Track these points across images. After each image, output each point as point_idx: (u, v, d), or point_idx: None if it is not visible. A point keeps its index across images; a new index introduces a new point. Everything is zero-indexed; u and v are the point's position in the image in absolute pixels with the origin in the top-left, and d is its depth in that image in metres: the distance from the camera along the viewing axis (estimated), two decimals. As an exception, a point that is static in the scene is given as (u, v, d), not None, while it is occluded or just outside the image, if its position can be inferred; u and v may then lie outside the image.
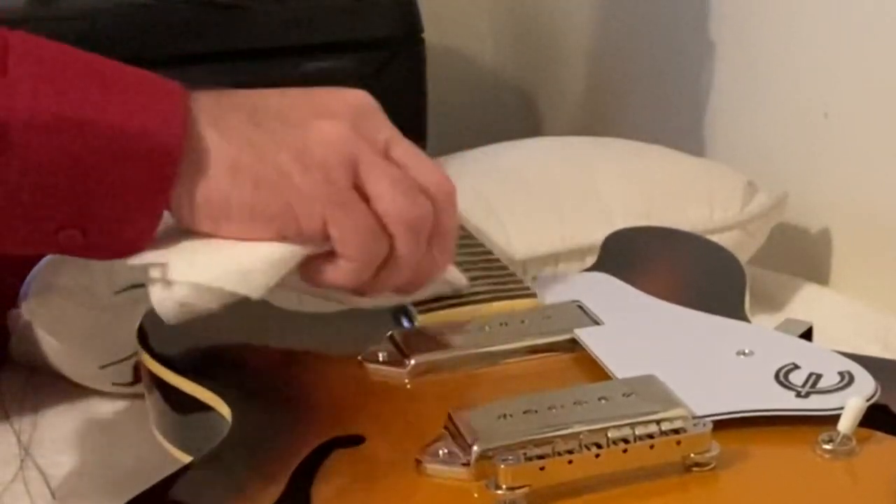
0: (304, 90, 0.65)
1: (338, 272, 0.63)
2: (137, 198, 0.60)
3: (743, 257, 0.97)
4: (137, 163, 0.59)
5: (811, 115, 1.07)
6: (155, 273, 0.62)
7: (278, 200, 0.61)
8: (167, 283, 0.61)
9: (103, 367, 0.84)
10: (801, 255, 1.09)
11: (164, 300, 0.62)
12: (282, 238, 0.62)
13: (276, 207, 0.61)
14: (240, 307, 0.75)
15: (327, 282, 0.64)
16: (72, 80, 0.59)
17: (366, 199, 0.62)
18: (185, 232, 0.62)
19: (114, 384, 0.85)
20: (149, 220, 0.61)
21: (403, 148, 0.65)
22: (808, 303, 0.99)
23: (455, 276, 0.70)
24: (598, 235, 0.88)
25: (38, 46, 0.59)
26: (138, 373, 0.79)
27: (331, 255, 0.63)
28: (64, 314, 0.84)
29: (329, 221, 0.61)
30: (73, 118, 0.57)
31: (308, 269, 0.63)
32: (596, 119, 1.46)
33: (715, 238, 0.96)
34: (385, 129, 0.65)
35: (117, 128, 0.58)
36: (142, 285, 0.85)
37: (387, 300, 0.68)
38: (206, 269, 0.61)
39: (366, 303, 0.67)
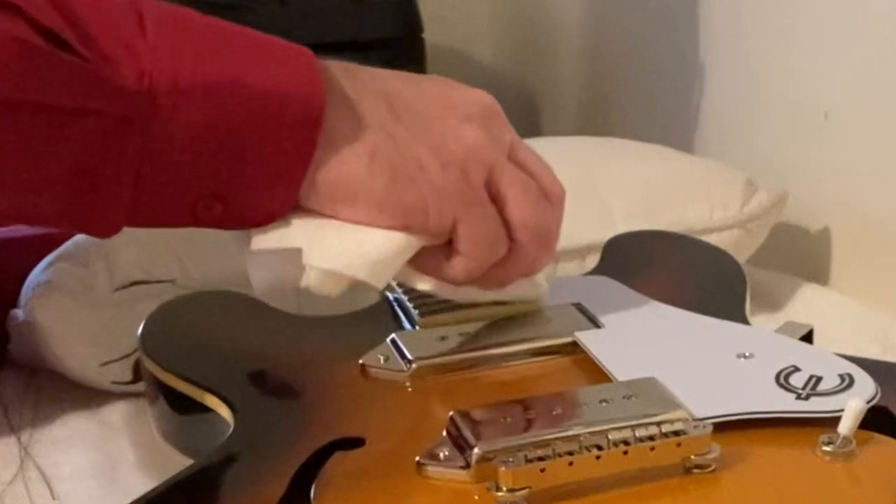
0: (432, 81, 0.65)
1: (456, 268, 0.63)
2: (281, 165, 0.58)
3: (743, 256, 0.98)
4: (282, 128, 0.57)
5: (811, 115, 1.07)
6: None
7: (413, 194, 0.60)
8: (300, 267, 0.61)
9: (103, 364, 0.84)
10: (801, 255, 1.09)
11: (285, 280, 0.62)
12: (405, 229, 0.61)
13: (410, 201, 0.60)
14: (240, 308, 0.75)
15: (442, 275, 0.64)
16: (211, 43, 0.57)
17: (495, 201, 0.63)
18: (298, 212, 0.61)
19: (114, 382, 0.85)
20: (288, 190, 0.59)
21: (525, 152, 0.65)
22: (808, 303, 0.99)
23: (543, 285, 0.70)
24: (598, 235, 0.89)
25: (169, 12, 0.57)
26: (138, 371, 0.80)
27: (448, 248, 0.63)
28: (64, 311, 0.84)
29: (460, 220, 0.61)
30: (220, 81, 0.56)
31: (424, 260, 0.63)
32: (595, 119, 1.46)
33: (715, 237, 0.96)
34: (509, 132, 0.65)
35: (263, 91, 0.57)
36: (142, 283, 0.86)
37: (480, 295, 0.67)
38: (340, 256, 0.60)
39: (461, 295, 0.67)
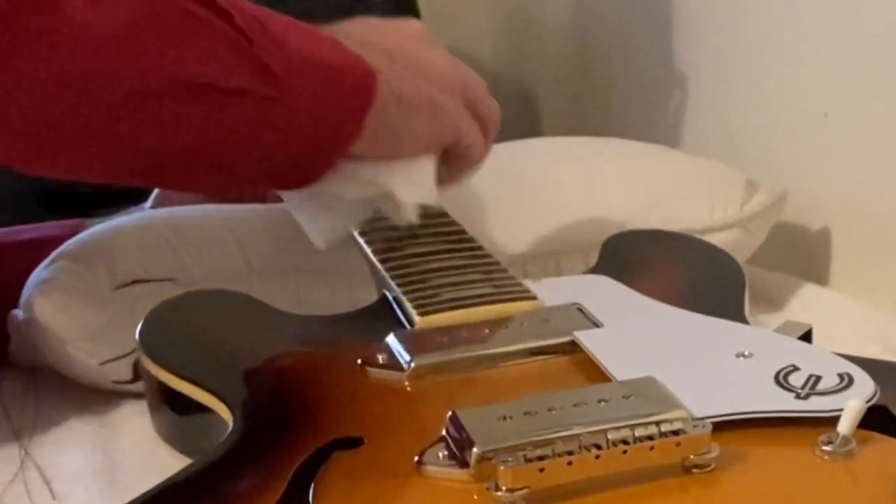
0: (380, 22, 0.76)
1: (471, 160, 0.76)
2: (347, 121, 0.68)
3: (742, 256, 0.98)
4: (355, 93, 0.67)
5: (811, 115, 1.07)
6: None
7: (437, 122, 0.72)
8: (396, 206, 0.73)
9: (104, 363, 0.84)
10: (801, 255, 1.09)
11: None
12: (438, 150, 0.74)
13: (438, 128, 0.72)
14: (238, 307, 0.75)
15: (470, 167, 0.77)
16: (304, 32, 0.67)
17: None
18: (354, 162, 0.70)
19: (114, 382, 0.85)
20: (349, 141, 0.68)
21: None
22: (807, 303, 0.99)
23: None
24: (598, 234, 0.88)
25: (266, 11, 0.66)
26: (138, 370, 0.80)
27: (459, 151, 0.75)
28: (64, 309, 0.84)
29: (461, 132, 0.74)
30: (319, 63, 0.66)
31: (455, 167, 0.76)
32: (595, 119, 1.46)
33: (715, 236, 0.96)
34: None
35: (339, 67, 0.67)
36: (142, 281, 0.86)
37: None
38: (422, 190, 0.73)
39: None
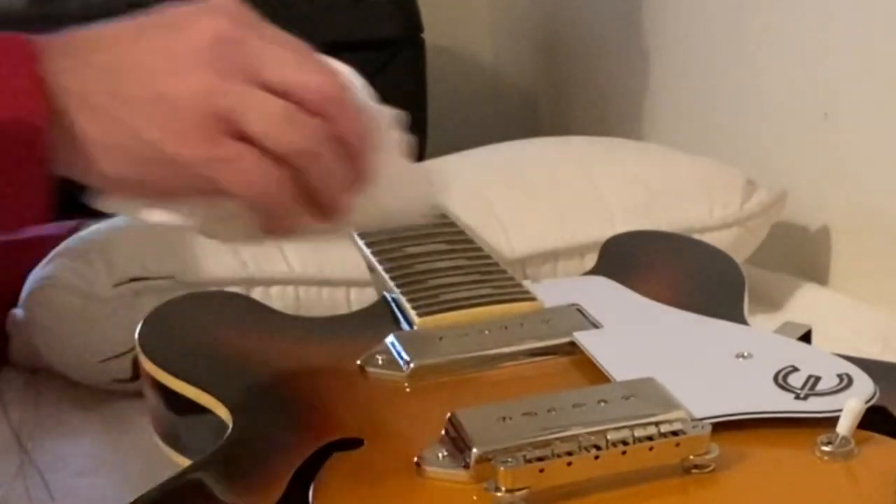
0: (157, 29, 0.60)
1: (259, 219, 0.60)
2: (19, 178, 0.58)
3: (742, 255, 0.98)
4: (9, 144, 0.57)
5: (811, 115, 1.07)
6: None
7: (164, 175, 0.58)
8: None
9: (103, 361, 0.84)
10: (801, 255, 1.09)
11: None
12: (163, 201, 0.60)
13: (166, 181, 0.59)
14: (238, 308, 0.75)
15: (264, 228, 0.61)
16: None
17: (249, 141, 0.58)
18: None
19: (113, 380, 0.85)
20: (39, 199, 0.59)
21: (278, 65, 0.59)
22: (807, 303, 0.99)
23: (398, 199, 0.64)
24: (597, 234, 0.89)
25: None
26: (137, 368, 0.80)
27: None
28: (63, 307, 0.84)
29: (217, 178, 0.58)
30: None
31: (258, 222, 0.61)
32: (595, 118, 1.46)
33: (715, 235, 0.96)
34: (252, 43, 0.59)
35: None
36: (141, 279, 0.86)
37: (329, 228, 0.62)
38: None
39: (320, 230, 0.62)
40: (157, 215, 0.61)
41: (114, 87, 0.59)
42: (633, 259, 0.82)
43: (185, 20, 0.59)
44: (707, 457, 0.55)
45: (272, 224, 0.60)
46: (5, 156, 0.57)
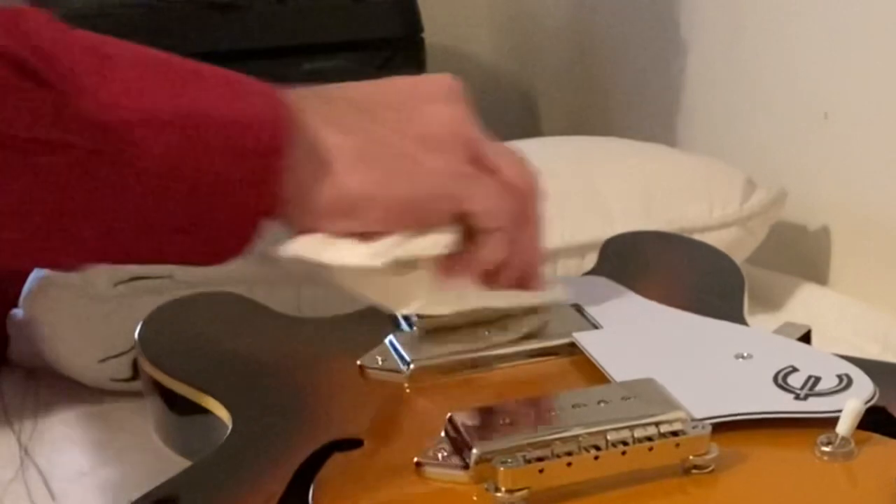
0: (392, 78, 0.65)
1: (489, 247, 0.64)
2: (245, 194, 0.57)
3: (742, 255, 0.98)
4: (245, 156, 0.57)
5: (811, 115, 1.07)
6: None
7: (414, 186, 0.61)
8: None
9: (102, 360, 0.84)
10: (801, 255, 1.09)
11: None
12: (418, 226, 0.61)
13: (413, 193, 0.60)
14: (238, 309, 0.75)
15: (484, 260, 0.64)
16: (167, 76, 0.57)
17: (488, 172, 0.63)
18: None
19: (112, 380, 0.85)
20: (255, 221, 0.58)
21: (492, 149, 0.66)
22: (807, 303, 0.99)
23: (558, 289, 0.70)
24: (597, 233, 0.89)
25: (135, 50, 0.57)
26: (137, 368, 0.80)
27: (471, 242, 0.63)
28: (63, 306, 0.84)
29: (465, 199, 0.62)
30: (186, 113, 0.56)
31: (459, 262, 0.64)
32: (594, 119, 1.46)
33: (714, 235, 0.96)
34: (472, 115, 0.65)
35: (225, 121, 0.56)
36: (141, 278, 0.86)
37: (512, 299, 0.67)
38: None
39: (495, 300, 0.67)
40: (346, 256, 0.60)
41: (358, 108, 0.62)
42: (633, 259, 0.82)
43: (419, 77, 0.65)
44: (707, 457, 0.55)
45: (481, 257, 0.64)
46: (240, 162, 0.57)
